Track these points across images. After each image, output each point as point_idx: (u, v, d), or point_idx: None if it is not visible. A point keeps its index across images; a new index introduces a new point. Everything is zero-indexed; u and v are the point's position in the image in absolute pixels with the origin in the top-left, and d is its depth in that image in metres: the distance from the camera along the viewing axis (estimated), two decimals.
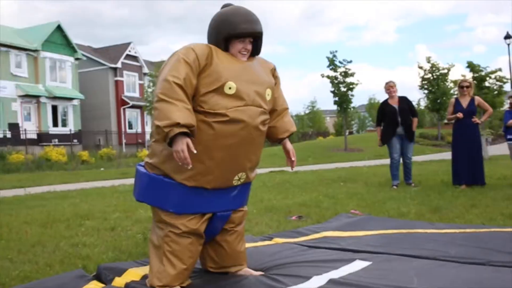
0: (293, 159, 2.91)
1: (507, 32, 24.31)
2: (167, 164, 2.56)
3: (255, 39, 2.70)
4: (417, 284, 2.50)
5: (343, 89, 23.90)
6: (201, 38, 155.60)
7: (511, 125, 6.92)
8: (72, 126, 29.50)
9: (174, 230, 2.61)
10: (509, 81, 25.84)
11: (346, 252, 3.36)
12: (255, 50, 2.75)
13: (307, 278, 2.69)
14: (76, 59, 30.49)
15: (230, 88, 2.50)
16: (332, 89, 24.01)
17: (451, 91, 27.75)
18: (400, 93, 7.84)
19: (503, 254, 3.10)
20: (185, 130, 2.34)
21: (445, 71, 29.51)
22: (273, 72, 2.89)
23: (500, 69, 27.73)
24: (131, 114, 34.77)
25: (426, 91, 30.19)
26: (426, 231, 4.01)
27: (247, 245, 3.59)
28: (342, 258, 3.16)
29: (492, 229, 3.93)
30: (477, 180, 7.08)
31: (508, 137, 7.06)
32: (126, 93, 33.96)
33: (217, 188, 2.62)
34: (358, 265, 2.96)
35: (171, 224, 2.61)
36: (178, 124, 2.32)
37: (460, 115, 7.08)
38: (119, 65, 33.20)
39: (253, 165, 2.72)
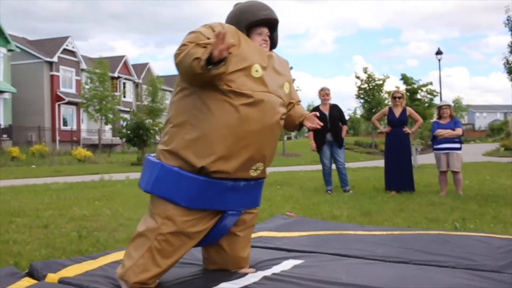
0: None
1: (438, 48, 25.85)
2: (189, 148, 2.46)
3: (272, 32, 2.73)
4: (345, 279, 2.65)
5: None
6: (143, 37, 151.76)
7: (438, 135, 7.33)
8: (2, 121, 28.07)
9: (170, 229, 2.47)
10: (439, 94, 27.29)
11: (280, 251, 3.48)
12: (272, 43, 2.76)
13: (242, 275, 2.78)
14: (9, 50, 29.04)
15: (257, 71, 2.49)
16: None
17: (386, 101, 28.95)
18: (337, 101, 8.16)
19: (424, 253, 3.33)
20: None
21: (381, 82, 30.84)
22: (288, 67, 2.90)
23: (431, 83, 29.38)
24: (66, 111, 33.58)
25: (362, 101, 31.40)
26: (356, 232, 4.20)
27: None
28: (276, 257, 3.27)
29: (417, 232, 4.18)
30: (406, 186, 7.47)
31: (435, 146, 7.47)
32: (61, 89, 32.79)
33: (235, 177, 2.54)
34: (291, 263, 3.08)
35: (173, 220, 2.48)
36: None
37: (387, 129, 7.68)
38: (55, 59, 32.01)
39: (270, 155, 2.67)
